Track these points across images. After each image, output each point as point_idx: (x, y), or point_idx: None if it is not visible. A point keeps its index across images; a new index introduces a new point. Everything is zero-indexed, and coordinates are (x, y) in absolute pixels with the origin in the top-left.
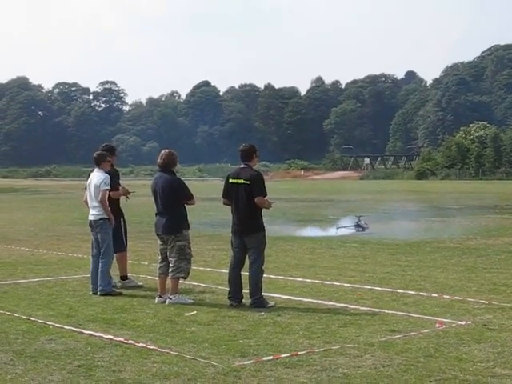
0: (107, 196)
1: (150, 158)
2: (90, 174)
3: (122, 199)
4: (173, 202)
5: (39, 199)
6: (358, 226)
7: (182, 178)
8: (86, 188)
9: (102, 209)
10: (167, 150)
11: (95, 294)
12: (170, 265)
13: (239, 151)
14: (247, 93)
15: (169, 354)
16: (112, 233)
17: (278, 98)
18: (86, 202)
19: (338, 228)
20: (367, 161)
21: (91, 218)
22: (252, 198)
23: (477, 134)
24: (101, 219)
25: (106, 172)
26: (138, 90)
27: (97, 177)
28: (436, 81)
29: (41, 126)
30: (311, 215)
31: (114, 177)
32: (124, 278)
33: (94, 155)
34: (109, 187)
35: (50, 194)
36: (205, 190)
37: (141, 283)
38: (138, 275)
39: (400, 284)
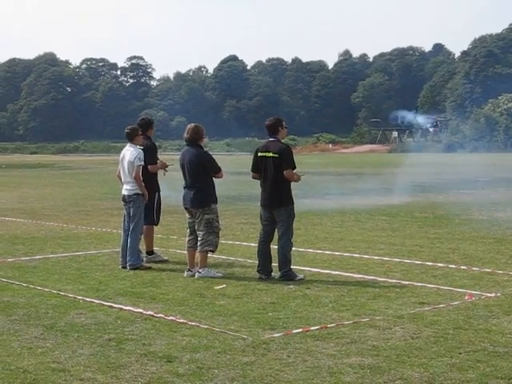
0: (141, 171)
1: (177, 133)
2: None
3: (160, 173)
4: (201, 176)
5: (68, 174)
6: (436, 125)
7: (210, 153)
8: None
9: (136, 184)
10: (193, 124)
11: (125, 268)
12: (199, 238)
13: (265, 126)
14: (274, 67)
15: (198, 327)
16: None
17: (306, 72)
18: (118, 176)
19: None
20: (395, 134)
21: (125, 192)
22: (281, 171)
23: (505, 107)
24: (134, 194)
25: (140, 146)
26: (165, 65)
27: (130, 152)
28: (464, 53)
29: (69, 102)
30: (341, 188)
31: (153, 150)
32: (150, 252)
33: (127, 130)
34: (143, 163)
35: (78, 170)
36: (233, 164)
37: (166, 257)
38: (167, 249)
39: (429, 256)
